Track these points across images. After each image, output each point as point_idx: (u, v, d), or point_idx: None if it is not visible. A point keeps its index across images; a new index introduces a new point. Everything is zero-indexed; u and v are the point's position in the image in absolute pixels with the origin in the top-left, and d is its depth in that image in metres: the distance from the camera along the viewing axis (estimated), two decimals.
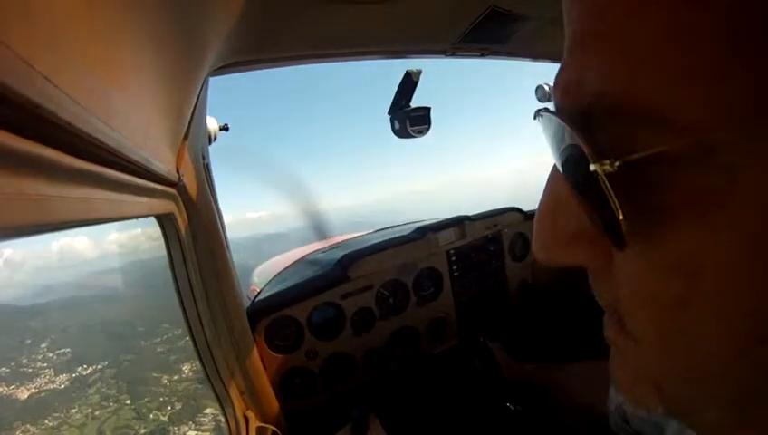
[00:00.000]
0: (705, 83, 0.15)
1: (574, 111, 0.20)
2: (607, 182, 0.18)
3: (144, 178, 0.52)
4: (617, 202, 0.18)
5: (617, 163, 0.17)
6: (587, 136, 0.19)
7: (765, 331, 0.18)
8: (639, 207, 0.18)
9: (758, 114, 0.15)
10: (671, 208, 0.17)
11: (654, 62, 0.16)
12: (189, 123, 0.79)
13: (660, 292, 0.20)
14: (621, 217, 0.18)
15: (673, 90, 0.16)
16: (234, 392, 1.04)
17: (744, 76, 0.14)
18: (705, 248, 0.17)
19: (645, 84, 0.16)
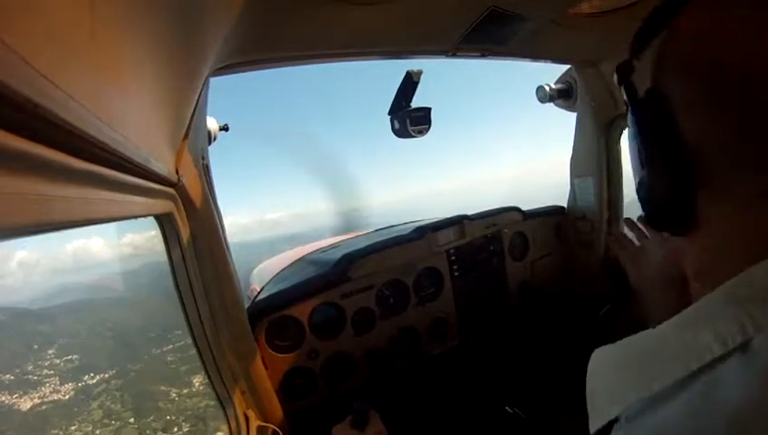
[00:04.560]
0: None
1: None
2: None
3: (143, 179, 0.52)
4: None
5: None
6: None
7: None
8: None
9: None
10: None
11: None
12: (189, 124, 0.79)
13: None
14: None
15: None
16: (234, 392, 1.04)
17: None
18: None
19: None
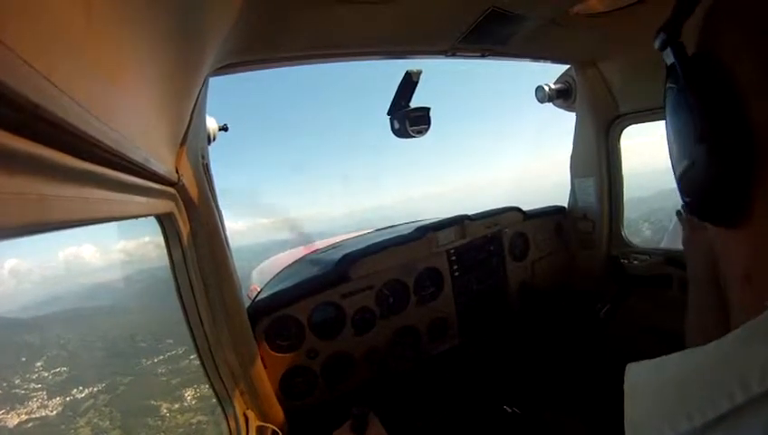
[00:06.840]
0: None
1: None
2: None
3: (143, 178, 0.52)
4: None
5: None
6: None
7: None
8: None
9: None
10: None
11: None
12: (189, 123, 0.79)
13: None
14: None
15: None
16: (234, 392, 1.04)
17: None
18: None
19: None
